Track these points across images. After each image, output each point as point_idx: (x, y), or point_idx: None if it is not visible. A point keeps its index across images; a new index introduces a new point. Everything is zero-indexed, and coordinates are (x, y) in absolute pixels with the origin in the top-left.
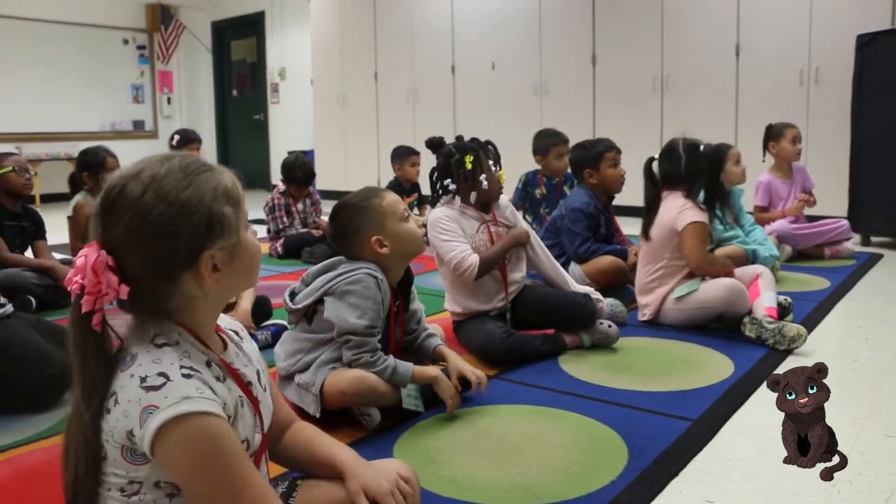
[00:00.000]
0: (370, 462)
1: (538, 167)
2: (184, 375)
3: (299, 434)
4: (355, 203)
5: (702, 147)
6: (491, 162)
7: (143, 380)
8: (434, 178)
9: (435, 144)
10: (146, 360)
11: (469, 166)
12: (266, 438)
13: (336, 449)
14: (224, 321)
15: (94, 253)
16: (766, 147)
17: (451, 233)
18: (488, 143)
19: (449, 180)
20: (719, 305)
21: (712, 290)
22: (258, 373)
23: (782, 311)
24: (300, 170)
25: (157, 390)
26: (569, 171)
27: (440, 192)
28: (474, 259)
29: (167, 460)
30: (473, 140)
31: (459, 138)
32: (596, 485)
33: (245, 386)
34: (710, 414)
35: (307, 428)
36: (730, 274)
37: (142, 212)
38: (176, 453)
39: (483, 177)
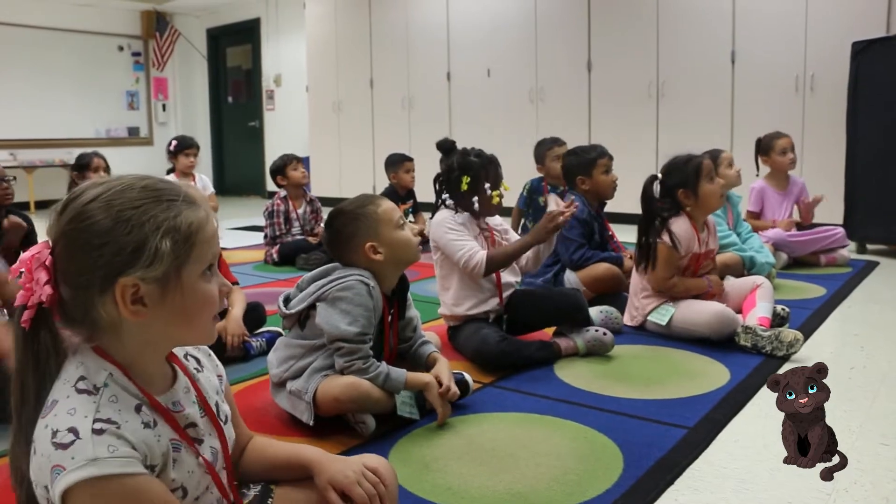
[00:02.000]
0: (338, 456)
1: (541, 175)
2: (95, 431)
3: (257, 447)
4: (351, 210)
5: (659, 176)
6: (487, 185)
7: (54, 434)
8: (438, 184)
9: (445, 148)
10: (62, 408)
11: (465, 188)
12: (231, 467)
13: (300, 448)
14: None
15: (38, 248)
16: (757, 160)
17: (458, 231)
18: (492, 159)
19: (447, 196)
20: (703, 331)
21: (699, 314)
22: (216, 405)
23: (780, 321)
24: (280, 160)
25: (64, 449)
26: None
27: (441, 202)
28: (482, 256)
29: None
30: (478, 155)
31: (469, 150)
32: (591, 493)
33: (181, 430)
34: (706, 422)
35: (262, 439)
36: (711, 295)
37: (79, 217)
38: None
39: (475, 199)
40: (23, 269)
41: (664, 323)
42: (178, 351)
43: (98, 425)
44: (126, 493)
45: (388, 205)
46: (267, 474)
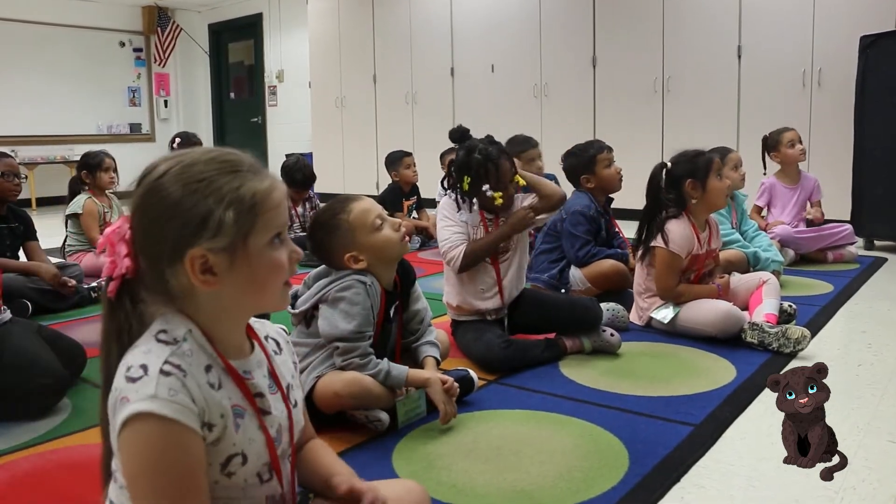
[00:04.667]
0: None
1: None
2: (163, 372)
3: (308, 453)
4: (325, 222)
5: (669, 164)
6: (486, 187)
7: (128, 368)
8: (449, 178)
9: (455, 137)
10: (140, 350)
11: (465, 188)
12: (295, 455)
13: (337, 467)
14: (268, 328)
15: (119, 223)
16: (764, 158)
17: (450, 220)
18: (491, 157)
19: (449, 190)
20: (709, 330)
21: (706, 313)
22: (288, 387)
23: (787, 318)
24: (300, 172)
25: (133, 382)
26: (546, 171)
27: (447, 189)
28: (459, 250)
29: (120, 454)
30: (482, 152)
31: (474, 145)
32: (596, 490)
33: (250, 395)
34: (711, 419)
35: (317, 445)
36: (720, 296)
37: (151, 192)
38: (127, 450)
39: (474, 200)
40: (107, 245)
41: (667, 322)
42: (260, 332)
43: (167, 367)
44: (169, 438)
45: (360, 207)
46: (308, 484)
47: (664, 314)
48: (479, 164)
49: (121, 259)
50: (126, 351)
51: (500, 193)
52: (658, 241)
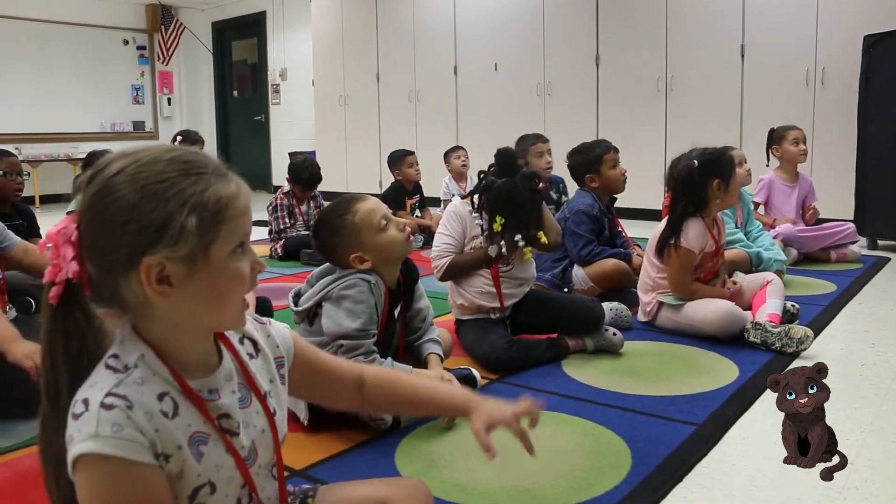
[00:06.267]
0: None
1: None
2: (104, 406)
3: (383, 382)
4: (329, 221)
5: (696, 163)
6: (518, 237)
7: (73, 404)
8: (478, 197)
9: (505, 164)
10: (88, 382)
11: (498, 228)
12: (280, 459)
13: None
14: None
15: (64, 223)
16: (768, 151)
17: (448, 228)
18: (526, 209)
19: (478, 216)
20: (711, 329)
21: (707, 312)
22: (266, 395)
23: (790, 318)
24: (306, 171)
25: (76, 420)
26: (553, 173)
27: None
28: (444, 262)
29: (77, 496)
30: (521, 203)
31: (514, 189)
32: (599, 490)
33: (212, 420)
34: (714, 419)
35: (389, 374)
36: (728, 297)
37: (104, 191)
38: (80, 492)
39: (493, 247)
40: (50, 244)
41: (675, 303)
42: (235, 332)
43: (109, 399)
44: (118, 477)
45: (366, 208)
46: (396, 407)
47: (673, 297)
48: (515, 218)
49: (66, 263)
50: (76, 363)
51: (530, 249)
52: (681, 240)
